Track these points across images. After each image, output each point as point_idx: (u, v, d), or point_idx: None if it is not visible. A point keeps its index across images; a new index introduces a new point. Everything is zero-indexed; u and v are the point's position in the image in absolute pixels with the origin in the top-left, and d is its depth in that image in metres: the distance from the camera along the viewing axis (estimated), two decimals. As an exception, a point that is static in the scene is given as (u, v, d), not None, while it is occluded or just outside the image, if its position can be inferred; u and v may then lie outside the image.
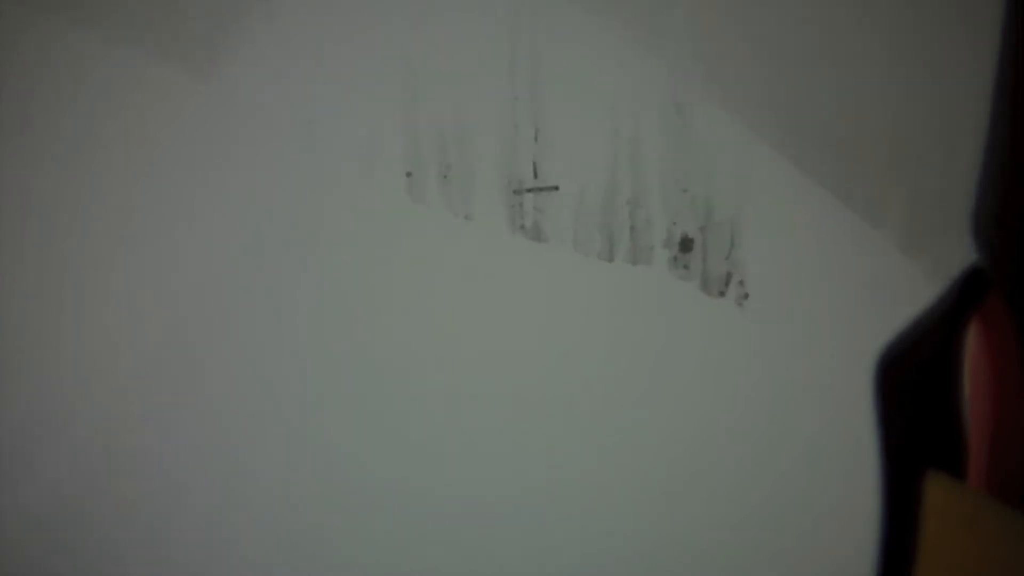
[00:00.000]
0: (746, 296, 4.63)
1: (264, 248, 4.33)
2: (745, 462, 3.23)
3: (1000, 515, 0.50)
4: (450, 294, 4.28)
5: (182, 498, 3.28)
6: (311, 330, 3.97)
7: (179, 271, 4.25)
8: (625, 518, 3.07)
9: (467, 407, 3.54)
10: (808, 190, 4.22)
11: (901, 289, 3.63)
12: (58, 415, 3.58)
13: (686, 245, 4.55)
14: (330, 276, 4.31)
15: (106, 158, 4.69)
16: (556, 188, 4.63)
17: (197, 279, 4.18)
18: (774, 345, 3.74)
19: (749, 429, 3.34)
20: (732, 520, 3.02)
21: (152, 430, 3.52)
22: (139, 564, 3.13)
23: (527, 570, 3.03)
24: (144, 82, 4.78)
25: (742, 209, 4.53)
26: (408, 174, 5.01)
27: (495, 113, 4.81)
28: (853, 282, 3.77)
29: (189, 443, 3.45)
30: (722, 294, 4.54)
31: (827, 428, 3.13)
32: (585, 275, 4.46)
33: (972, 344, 0.54)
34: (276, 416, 3.55)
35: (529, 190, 4.74)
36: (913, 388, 0.54)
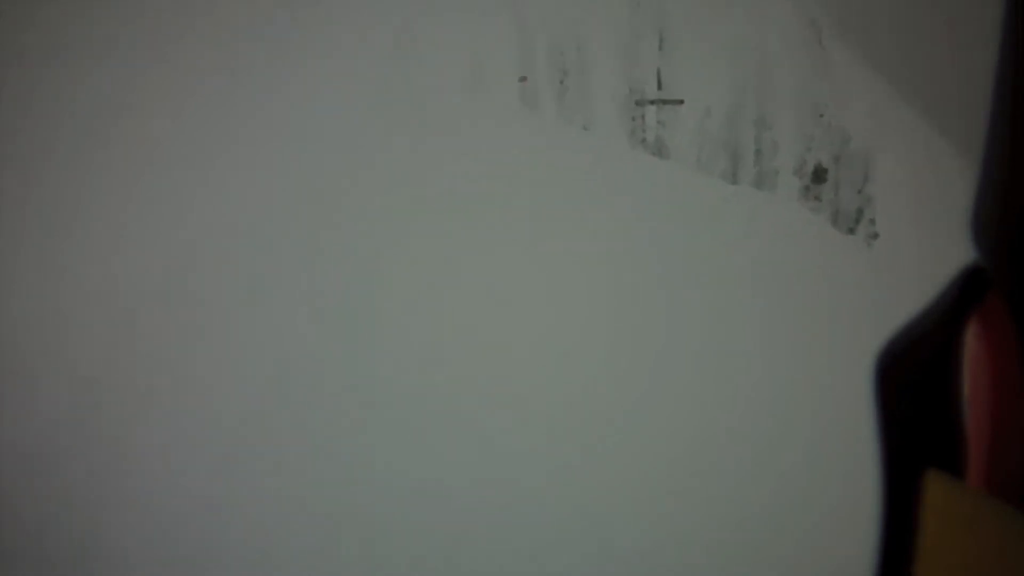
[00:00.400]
0: (875, 236, 4.24)
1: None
2: (745, 462, 3.22)
3: (1000, 515, 0.50)
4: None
5: (183, 494, 3.28)
6: (316, 327, 3.97)
7: (183, 264, 4.24)
8: (626, 518, 3.06)
9: (470, 408, 3.54)
10: (933, 137, 3.90)
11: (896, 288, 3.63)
12: (59, 415, 3.58)
13: (819, 175, 4.18)
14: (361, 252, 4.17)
15: (157, 121, 4.64)
16: (681, 102, 4.38)
17: (205, 274, 4.18)
18: (775, 345, 3.73)
19: (749, 429, 3.34)
20: (732, 520, 3.01)
21: (156, 426, 3.51)
22: (140, 561, 3.13)
23: (528, 568, 3.03)
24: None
25: (879, 139, 4.19)
26: (522, 79, 4.77)
27: (616, 16, 4.54)
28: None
29: (191, 440, 3.44)
30: (852, 231, 4.22)
31: (827, 428, 3.12)
32: (702, 199, 4.18)
33: (972, 344, 0.54)
34: (278, 414, 3.55)
35: (652, 102, 4.48)
36: (913, 388, 0.54)
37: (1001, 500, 0.52)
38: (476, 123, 4.35)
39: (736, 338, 3.69)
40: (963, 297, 0.53)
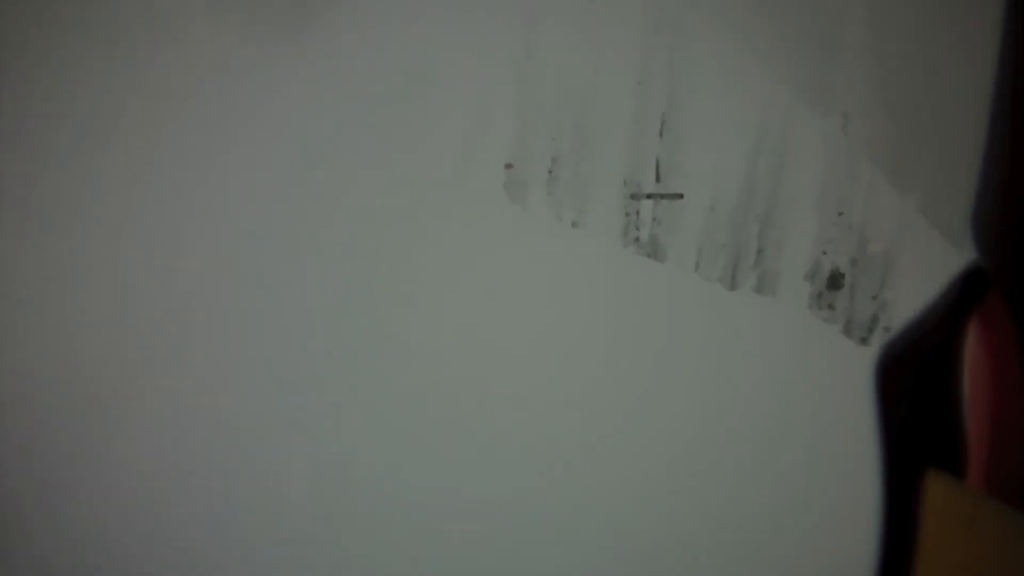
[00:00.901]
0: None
1: (273, 246, 4.21)
2: (745, 462, 3.23)
3: (1000, 515, 0.50)
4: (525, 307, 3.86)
5: (183, 496, 3.28)
6: (321, 331, 3.97)
7: (184, 268, 4.25)
8: (625, 518, 3.07)
9: (470, 408, 3.54)
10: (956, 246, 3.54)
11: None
12: (59, 414, 3.59)
13: (835, 281, 3.65)
14: (348, 277, 4.09)
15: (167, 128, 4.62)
16: (681, 196, 3.87)
17: (204, 275, 4.18)
18: (775, 346, 3.73)
19: (749, 429, 3.34)
20: (732, 520, 3.02)
21: (155, 427, 3.52)
22: (139, 562, 3.14)
23: (528, 568, 3.03)
24: (236, 50, 4.67)
25: (899, 240, 3.76)
26: (508, 165, 4.22)
27: (616, 96, 4.08)
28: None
29: (191, 440, 3.45)
30: (865, 341, 3.69)
31: (827, 428, 3.13)
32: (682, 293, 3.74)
33: (972, 344, 0.54)
34: (277, 415, 3.56)
35: (649, 196, 3.97)
36: (913, 388, 0.54)
37: (1001, 500, 0.52)
38: (455, 217, 4.10)
39: (737, 340, 3.69)
40: (963, 298, 0.53)
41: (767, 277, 3.81)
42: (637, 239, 4.07)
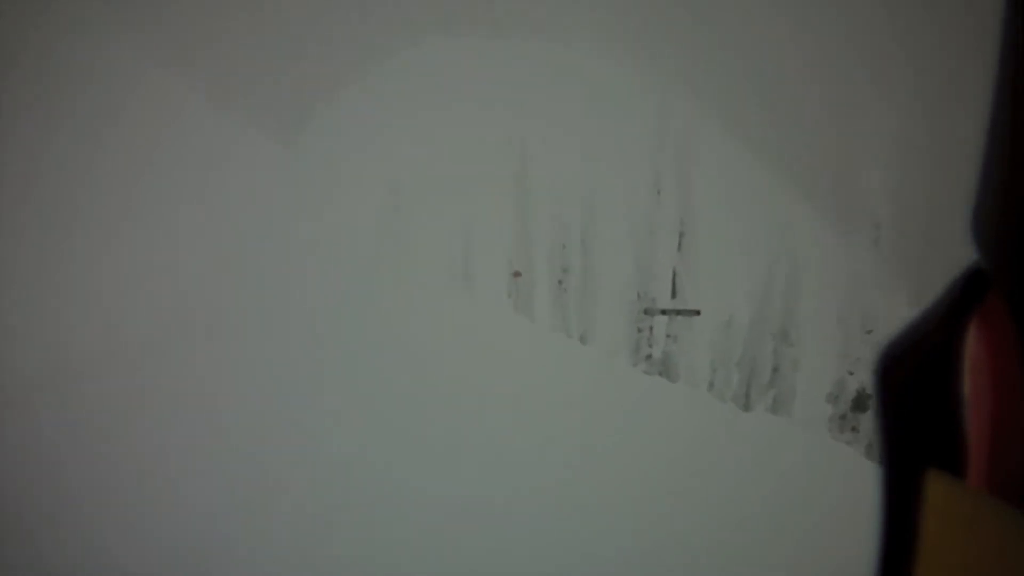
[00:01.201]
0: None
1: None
2: (745, 462, 3.23)
3: (1000, 515, 0.50)
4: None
5: (183, 496, 3.28)
6: (321, 334, 3.98)
7: (185, 273, 4.25)
8: (626, 518, 3.06)
9: (469, 409, 3.54)
10: None
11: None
12: (60, 414, 3.59)
13: (861, 403, 3.58)
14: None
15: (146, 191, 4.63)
16: (698, 313, 3.82)
17: (204, 277, 4.19)
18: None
19: (749, 429, 3.33)
20: (732, 520, 3.01)
21: (155, 429, 3.52)
22: (139, 562, 3.14)
23: (529, 568, 3.03)
24: (236, 150, 4.68)
25: None
26: (516, 273, 4.12)
27: (633, 207, 3.99)
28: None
29: (189, 443, 3.45)
30: None
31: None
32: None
33: (972, 344, 0.54)
34: (277, 417, 3.55)
35: (664, 311, 3.90)
36: (913, 388, 0.54)
37: (1001, 500, 0.52)
38: (458, 325, 4.06)
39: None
40: (964, 298, 0.53)
41: (782, 398, 3.66)
42: (649, 356, 3.99)
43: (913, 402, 0.54)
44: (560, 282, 3.52)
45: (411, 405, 3.55)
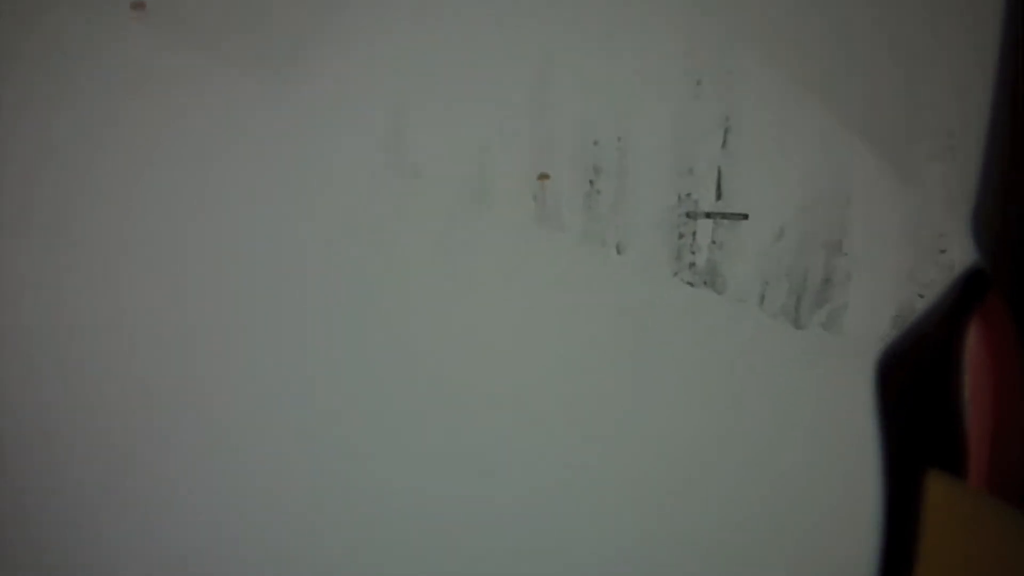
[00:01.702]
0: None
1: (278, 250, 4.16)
2: (745, 462, 3.22)
3: (1000, 515, 0.50)
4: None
5: (181, 500, 3.28)
6: (319, 334, 3.97)
7: (186, 271, 4.25)
8: (626, 518, 3.06)
9: (469, 409, 3.54)
10: None
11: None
12: (60, 414, 3.58)
13: None
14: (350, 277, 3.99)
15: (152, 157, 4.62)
16: (745, 217, 3.33)
17: (206, 278, 4.18)
18: (775, 346, 3.71)
19: (749, 429, 3.33)
20: (732, 520, 3.01)
21: (154, 429, 3.52)
22: (138, 563, 3.13)
23: (528, 568, 3.03)
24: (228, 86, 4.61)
25: None
26: (542, 175, 3.44)
27: (671, 98, 3.36)
28: None
29: (190, 444, 3.44)
30: None
31: (827, 428, 3.12)
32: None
33: (972, 344, 0.54)
34: (277, 418, 3.55)
35: (708, 215, 3.38)
36: (914, 388, 0.54)
37: (1001, 500, 0.52)
38: (477, 248, 3.65)
39: (737, 339, 3.68)
40: (964, 298, 0.53)
41: (835, 316, 3.27)
42: (692, 264, 3.53)
43: (913, 402, 0.54)
44: (592, 182, 3.10)
45: (429, 343, 3.33)
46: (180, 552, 3.15)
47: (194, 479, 3.32)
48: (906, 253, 3.07)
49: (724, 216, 3.28)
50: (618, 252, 3.36)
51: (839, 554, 1.75)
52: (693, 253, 3.36)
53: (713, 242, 3.35)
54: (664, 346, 3.35)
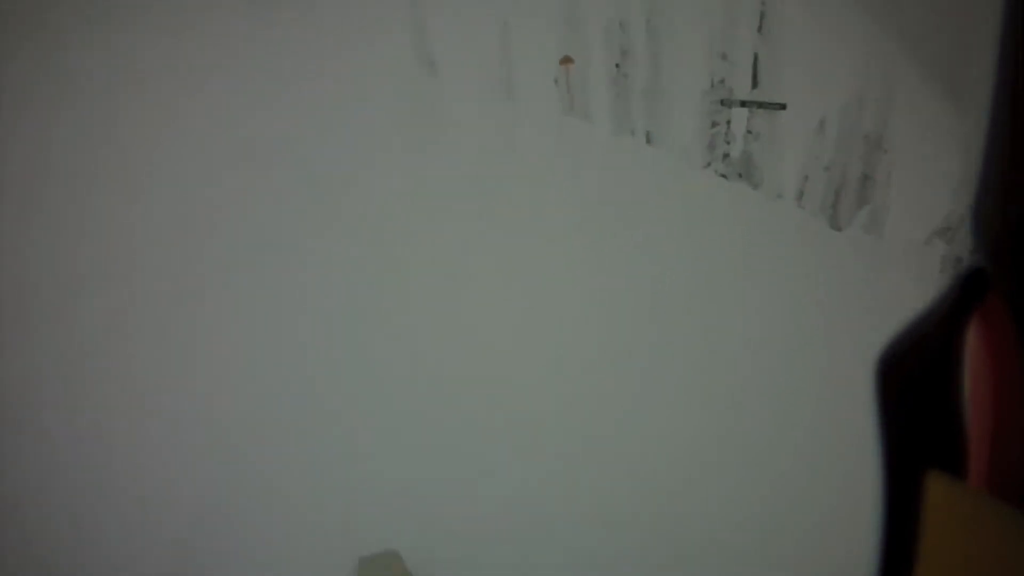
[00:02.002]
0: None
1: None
2: (745, 462, 3.22)
3: (1000, 515, 0.50)
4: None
5: (182, 497, 3.28)
6: (315, 329, 3.97)
7: (186, 271, 4.24)
8: (625, 518, 3.06)
9: (469, 409, 3.54)
10: None
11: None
12: (60, 414, 3.59)
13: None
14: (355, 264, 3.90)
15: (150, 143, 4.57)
16: (783, 106, 3.13)
17: (204, 276, 4.18)
18: (775, 345, 3.72)
19: (749, 429, 3.33)
20: (732, 520, 3.01)
21: (154, 429, 3.52)
22: (137, 563, 3.14)
23: (528, 568, 3.03)
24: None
25: None
26: (565, 59, 3.10)
27: None
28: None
29: (191, 442, 3.44)
30: None
31: (827, 428, 3.12)
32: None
33: (972, 344, 0.54)
34: (276, 417, 3.56)
35: (744, 103, 3.21)
36: (914, 388, 0.54)
37: (1001, 500, 0.52)
38: (497, 132, 3.41)
39: (737, 338, 3.67)
40: (964, 298, 0.53)
41: (878, 217, 2.89)
42: (727, 156, 3.18)
43: (913, 402, 0.54)
44: (618, 65, 2.74)
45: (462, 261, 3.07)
46: (180, 551, 3.15)
47: (194, 478, 3.32)
48: (951, 164, 2.78)
49: (761, 105, 3.19)
50: (648, 142, 3.06)
51: (839, 554, 1.75)
52: (728, 143, 3.27)
53: (749, 132, 3.24)
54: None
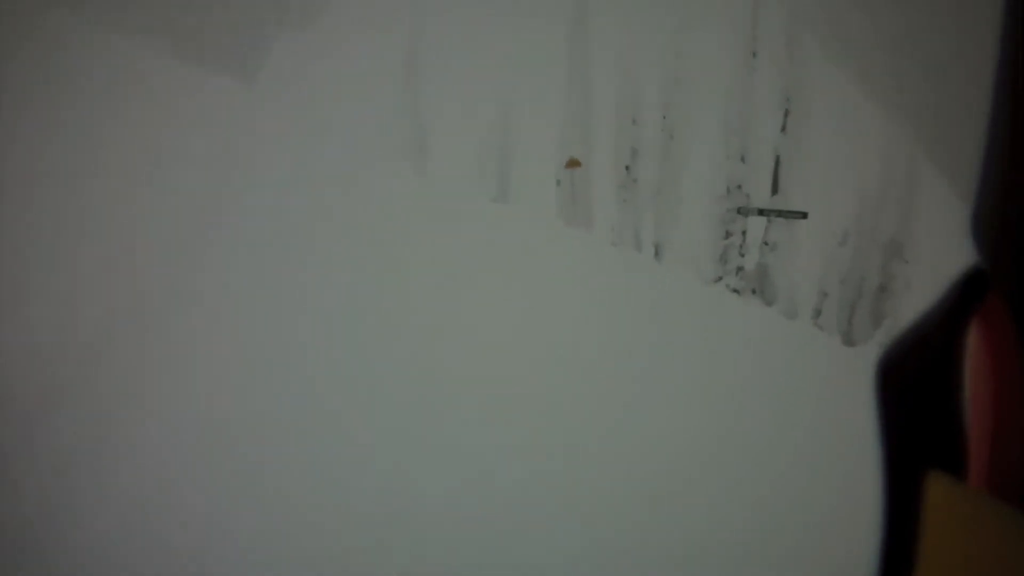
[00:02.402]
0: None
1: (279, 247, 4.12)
2: (745, 462, 3.21)
3: (1000, 515, 0.50)
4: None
5: (183, 497, 3.28)
6: (314, 330, 3.97)
7: (184, 271, 4.24)
8: (625, 518, 3.06)
9: (469, 408, 3.54)
10: None
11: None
12: (59, 415, 3.59)
13: None
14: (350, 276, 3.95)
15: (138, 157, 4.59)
16: (804, 215, 2.86)
17: (204, 276, 4.18)
18: (775, 344, 3.71)
19: (749, 429, 3.33)
20: (732, 520, 3.01)
21: (153, 429, 3.52)
22: (139, 562, 3.13)
23: (528, 568, 3.03)
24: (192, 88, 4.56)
25: None
26: (571, 161, 2.97)
27: (723, 72, 2.85)
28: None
29: (192, 442, 3.45)
30: None
31: (827, 428, 3.12)
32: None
33: (973, 344, 0.54)
34: (275, 417, 3.56)
35: (762, 212, 2.93)
36: (914, 388, 0.54)
37: (1001, 500, 0.52)
38: (492, 247, 3.22)
39: (737, 339, 3.67)
40: (964, 299, 0.53)
41: (895, 328, 2.68)
42: (740, 269, 2.91)
43: (913, 402, 0.54)
44: (628, 168, 2.44)
45: (431, 344, 3.12)
46: (180, 551, 3.15)
47: (194, 479, 3.32)
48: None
49: (780, 213, 2.95)
50: (656, 255, 3.00)
51: (839, 554, 1.75)
52: (742, 255, 3.03)
53: (765, 243, 3.00)
54: (673, 345, 3.12)
